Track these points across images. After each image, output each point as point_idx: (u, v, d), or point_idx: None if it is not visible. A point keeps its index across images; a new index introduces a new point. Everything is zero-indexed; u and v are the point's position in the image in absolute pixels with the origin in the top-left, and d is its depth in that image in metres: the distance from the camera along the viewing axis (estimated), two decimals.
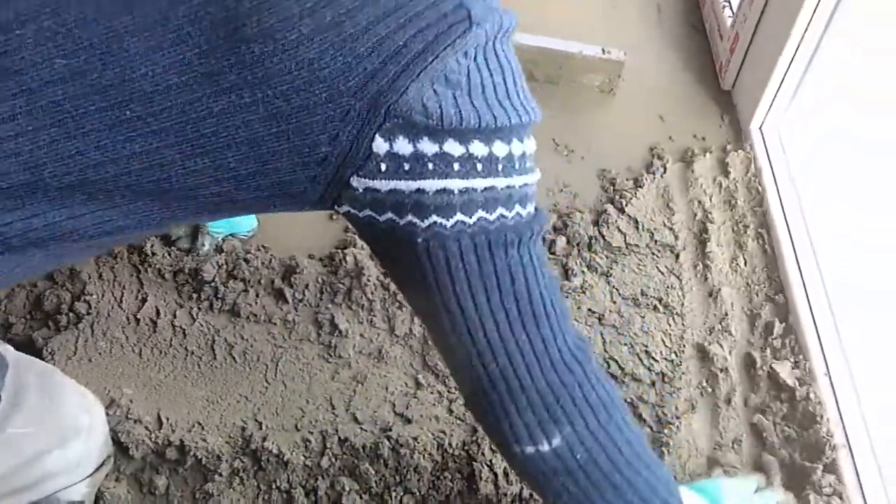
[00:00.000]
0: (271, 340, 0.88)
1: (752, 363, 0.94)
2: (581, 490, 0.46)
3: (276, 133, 0.40)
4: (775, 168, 1.18)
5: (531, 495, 0.77)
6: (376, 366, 0.87)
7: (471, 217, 0.42)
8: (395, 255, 0.45)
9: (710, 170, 1.18)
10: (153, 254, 0.91)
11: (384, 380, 0.86)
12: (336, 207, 0.44)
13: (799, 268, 1.04)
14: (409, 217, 0.41)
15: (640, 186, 1.13)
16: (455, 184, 0.41)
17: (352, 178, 0.41)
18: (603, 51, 1.24)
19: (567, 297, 0.97)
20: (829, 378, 0.92)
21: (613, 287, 1.00)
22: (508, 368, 0.44)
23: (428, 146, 0.40)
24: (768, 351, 0.96)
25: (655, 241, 1.06)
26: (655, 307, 0.99)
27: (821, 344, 0.96)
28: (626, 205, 1.09)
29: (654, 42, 1.38)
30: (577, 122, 1.22)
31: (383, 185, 0.41)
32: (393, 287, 0.90)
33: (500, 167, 0.42)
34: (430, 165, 0.40)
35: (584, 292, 0.98)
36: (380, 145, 0.40)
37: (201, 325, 0.88)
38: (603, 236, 1.05)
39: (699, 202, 1.13)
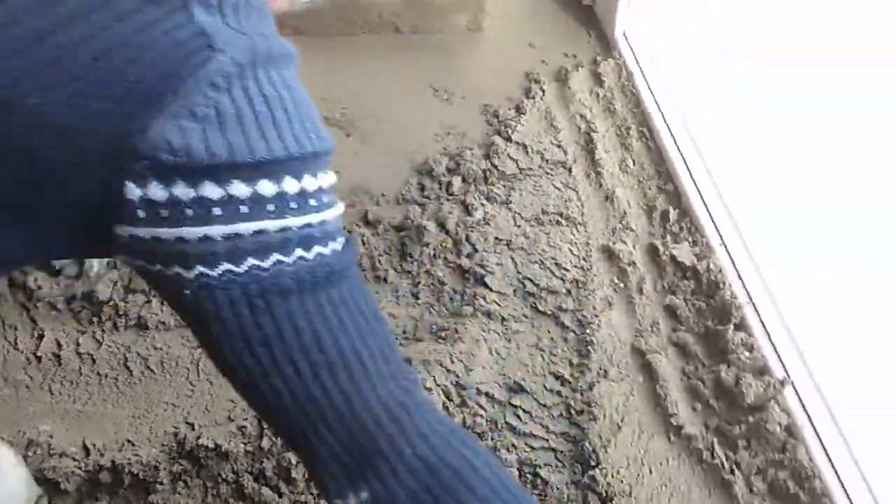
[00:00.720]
0: (187, 344, 0.86)
1: (655, 251, 1.00)
2: None
3: (23, 183, 0.38)
4: (644, 68, 1.23)
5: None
6: None
7: (239, 266, 0.38)
8: (174, 307, 0.42)
9: (584, 83, 1.22)
10: (39, 287, 0.87)
11: None
12: (114, 256, 0.41)
13: (681, 155, 1.11)
14: (176, 268, 0.38)
15: (523, 113, 1.16)
16: (217, 230, 0.37)
17: (116, 227, 0.39)
18: None
19: (472, 230, 0.99)
20: (725, 247, 0.98)
21: (515, 212, 1.03)
22: (305, 422, 0.40)
23: (183, 191, 0.37)
24: (668, 237, 1.01)
25: (546, 161, 1.10)
26: (558, 222, 1.02)
27: (712, 219, 1.02)
28: (513, 133, 1.12)
29: None
30: (452, 65, 1.23)
31: (145, 232, 0.38)
32: None
33: (270, 208, 0.38)
34: (189, 212, 0.37)
35: (487, 224, 1.01)
36: (132, 191, 0.37)
37: (109, 347, 0.85)
38: (496, 167, 1.08)
39: (581, 115, 1.17)
